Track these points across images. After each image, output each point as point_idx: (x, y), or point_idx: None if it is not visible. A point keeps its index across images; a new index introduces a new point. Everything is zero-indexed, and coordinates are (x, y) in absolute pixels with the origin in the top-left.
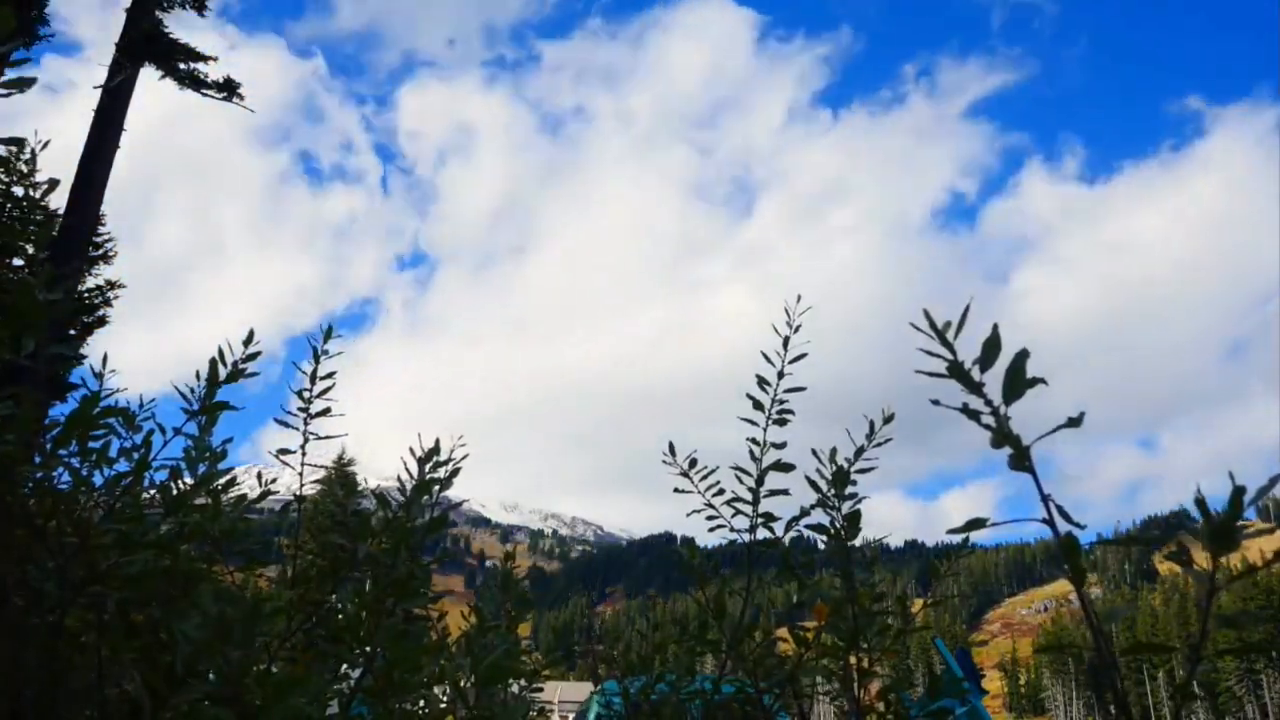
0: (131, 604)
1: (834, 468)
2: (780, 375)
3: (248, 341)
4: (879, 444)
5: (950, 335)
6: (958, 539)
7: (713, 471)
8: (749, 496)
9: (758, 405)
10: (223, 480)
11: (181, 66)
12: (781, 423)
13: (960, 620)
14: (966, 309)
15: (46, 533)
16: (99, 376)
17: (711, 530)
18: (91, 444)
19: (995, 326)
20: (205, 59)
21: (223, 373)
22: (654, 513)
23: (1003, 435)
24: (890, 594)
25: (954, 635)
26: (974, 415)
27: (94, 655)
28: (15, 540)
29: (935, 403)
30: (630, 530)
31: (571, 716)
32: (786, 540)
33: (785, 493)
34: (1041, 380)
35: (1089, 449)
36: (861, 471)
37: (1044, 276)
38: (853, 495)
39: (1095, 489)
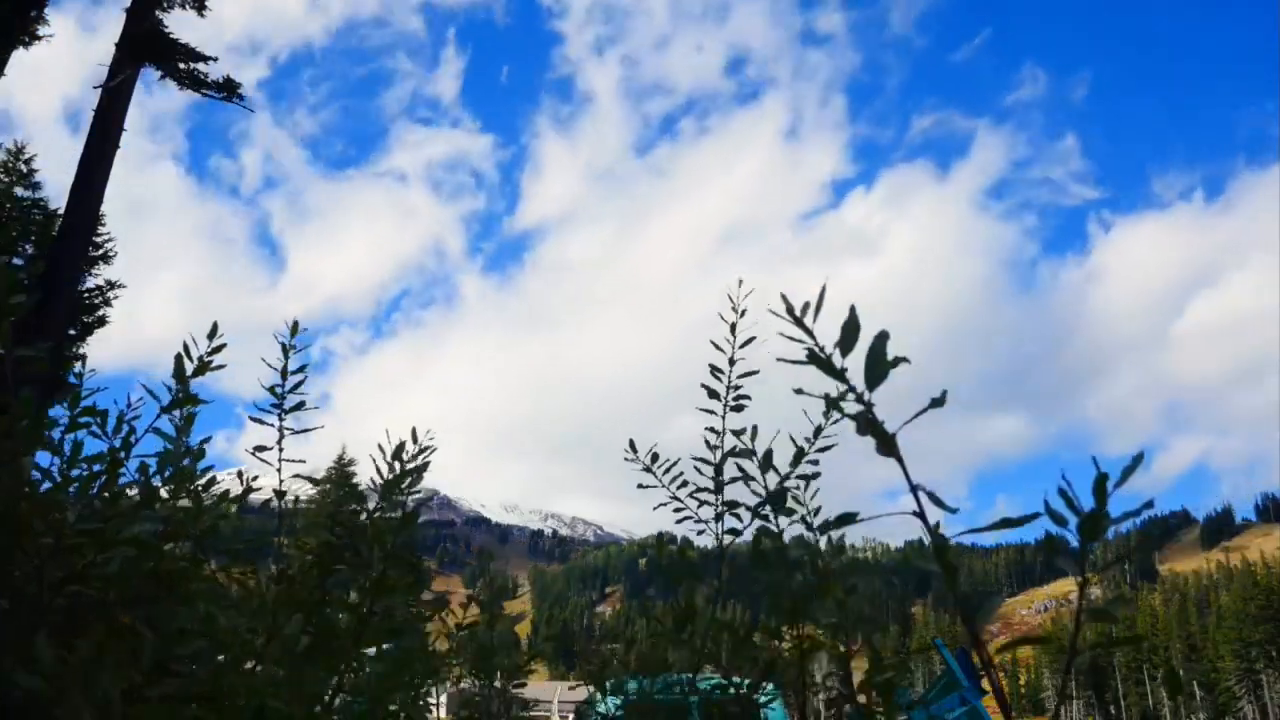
0: (114, 603)
1: (758, 449)
2: (731, 362)
3: (212, 334)
4: (835, 422)
5: (808, 319)
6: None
7: (675, 464)
8: (712, 486)
9: (713, 394)
10: (203, 480)
11: (181, 66)
12: (739, 409)
13: (960, 620)
14: (823, 289)
15: (24, 533)
16: (79, 377)
17: (678, 522)
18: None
19: (853, 308)
20: (205, 59)
21: (189, 367)
22: (654, 513)
23: (866, 423)
24: (888, 594)
25: (954, 635)
26: (835, 404)
27: (78, 655)
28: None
29: (799, 391)
30: (630, 530)
31: (571, 717)
32: (753, 528)
33: (750, 479)
34: (904, 359)
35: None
36: (822, 450)
37: None
38: (807, 475)
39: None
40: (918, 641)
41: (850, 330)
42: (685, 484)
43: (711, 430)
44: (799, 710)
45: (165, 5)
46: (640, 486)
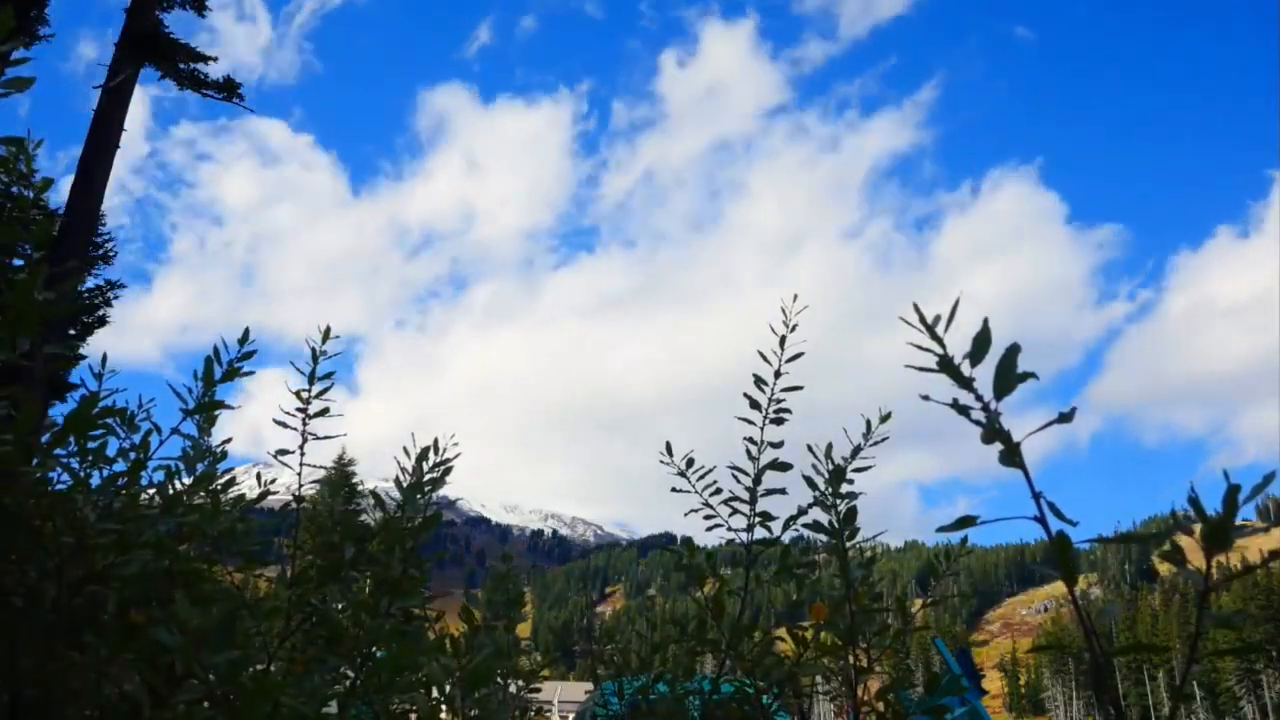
0: (131, 604)
1: (830, 465)
2: (777, 375)
3: (243, 340)
4: (875, 443)
5: (940, 329)
6: (957, 538)
7: (710, 471)
8: (746, 496)
9: (755, 405)
10: (222, 480)
11: (182, 66)
12: (779, 422)
13: (960, 620)
14: (956, 302)
15: (43, 533)
16: (98, 377)
17: (709, 530)
18: (90, 444)
19: (985, 321)
20: (205, 59)
21: (218, 372)
22: (654, 513)
23: (993, 431)
24: (889, 593)
25: (954, 635)
26: (964, 411)
27: (93, 655)
28: (14, 541)
29: (925, 398)
30: (630, 530)
31: (571, 717)
32: (785, 539)
33: (783, 492)
34: (1032, 374)
35: None
36: (859, 470)
37: None
38: (849, 494)
39: None
40: (917, 641)
41: (981, 342)
42: (718, 490)
43: (750, 441)
44: (801, 715)
45: (165, 5)
46: (674, 491)
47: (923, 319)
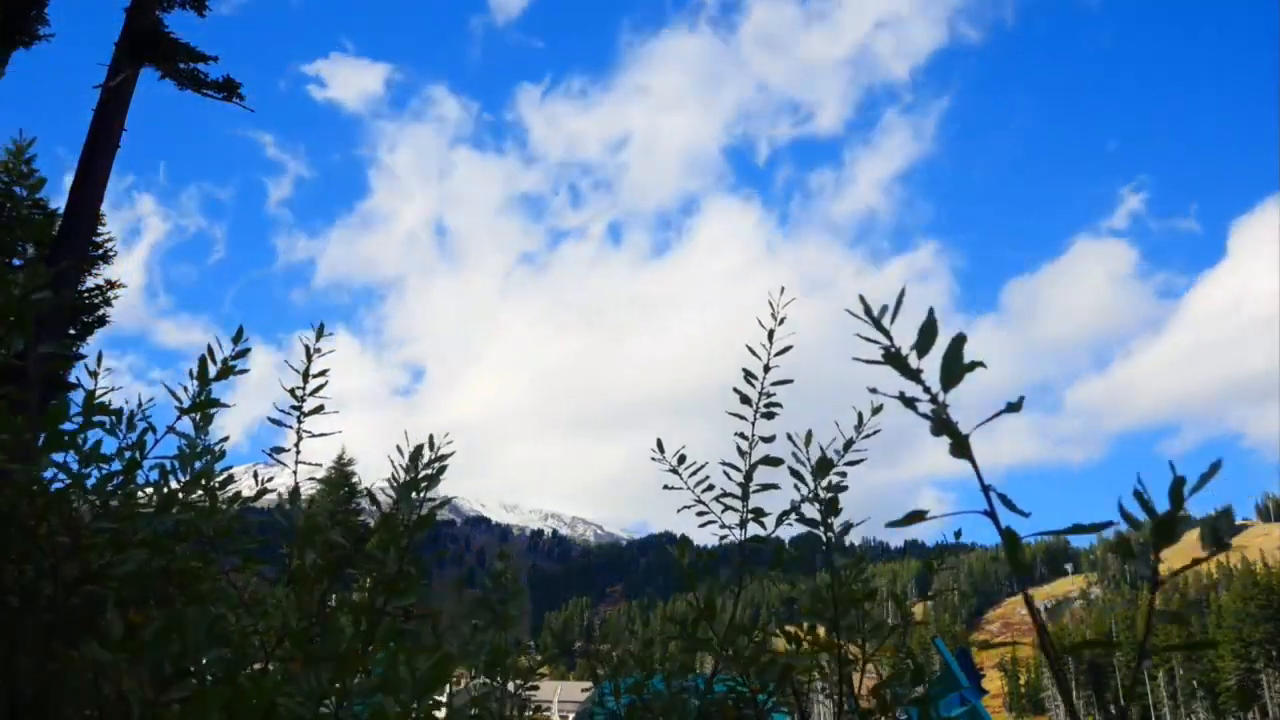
0: (127, 603)
1: (817, 454)
2: (766, 369)
3: (237, 338)
4: (867, 435)
5: (886, 321)
6: (955, 538)
7: (702, 467)
8: (739, 492)
9: (745, 400)
10: (219, 479)
11: (182, 66)
12: (769, 416)
13: (960, 620)
14: (902, 292)
15: (39, 532)
16: (93, 375)
17: (702, 526)
18: (85, 443)
19: (931, 311)
20: (206, 58)
21: (213, 370)
22: (654, 513)
23: (941, 423)
24: (885, 589)
25: (954, 635)
26: (911, 403)
27: (90, 655)
28: (9, 540)
29: (873, 390)
30: (630, 530)
31: (571, 716)
32: (777, 535)
33: (775, 487)
34: (980, 364)
35: None
36: (851, 463)
37: None
38: (837, 485)
39: None
40: (917, 640)
41: (927, 332)
42: (711, 487)
43: (741, 436)
44: (799, 713)
45: (165, 5)
46: (666, 488)
47: (868, 310)
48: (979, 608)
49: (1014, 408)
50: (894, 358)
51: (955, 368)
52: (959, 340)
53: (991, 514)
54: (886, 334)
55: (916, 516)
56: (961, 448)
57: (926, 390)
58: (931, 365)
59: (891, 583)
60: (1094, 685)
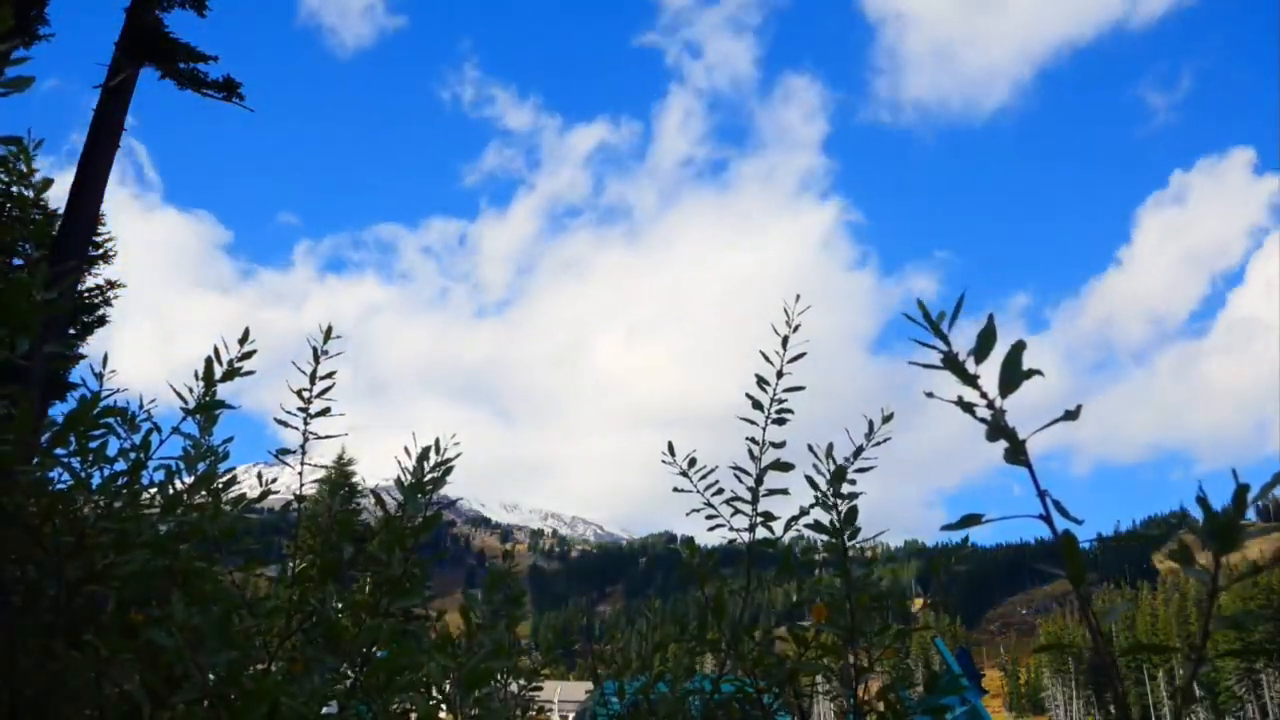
0: (131, 603)
1: (832, 465)
2: (779, 375)
3: (244, 340)
4: (877, 444)
5: (945, 326)
6: (955, 537)
7: (711, 471)
8: (748, 496)
9: (757, 405)
10: (223, 479)
11: (182, 66)
12: (780, 422)
13: (960, 620)
14: (961, 298)
15: (42, 533)
16: (99, 376)
17: (711, 529)
18: (90, 444)
19: (990, 317)
20: (206, 58)
21: (219, 371)
22: (654, 513)
23: (998, 428)
24: (891, 592)
25: (954, 635)
26: (969, 408)
27: (92, 654)
28: (13, 541)
29: (929, 395)
30: (630, 530)
31: (571, 716)
32: (786, 539)
33: (785, 492)
34: (1038, 372)
35: None
36: (861, 470)
37: None
38: (851, 494)
39: None
40: (917, 641)
41: (986, 338)
42: (720, 490)
43: (752, 441)
44: (802, 715)
45: (165, 5)
46: (676, 490)
47: (926, 315)
48: (979, 608)
49: (1071, 415)
50: (953, 362)
51: (1014, 374)
52: (1018, 347)
53: (1047, 518)
54: (945, 339)
55: (973, 520)
56: (1017, 452)
57: (983, 395)
58: (989, 371)
59: (893, 582)
60: (1094, 685)
